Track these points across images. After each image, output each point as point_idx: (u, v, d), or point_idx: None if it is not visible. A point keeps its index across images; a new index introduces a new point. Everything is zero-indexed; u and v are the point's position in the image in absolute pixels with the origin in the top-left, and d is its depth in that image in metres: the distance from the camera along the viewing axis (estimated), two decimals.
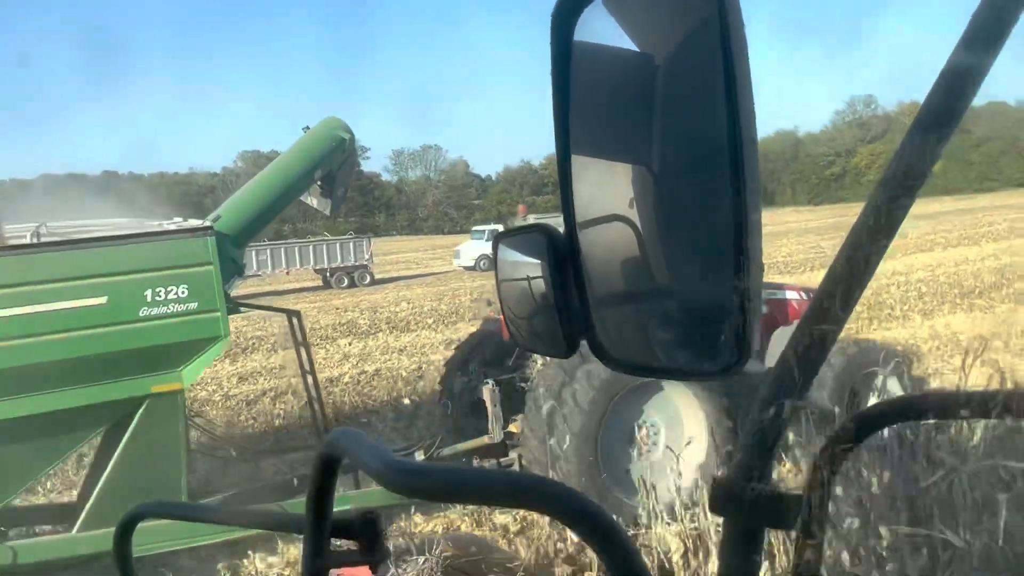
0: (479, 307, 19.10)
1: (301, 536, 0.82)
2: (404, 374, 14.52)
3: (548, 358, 7.77)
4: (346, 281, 36.36)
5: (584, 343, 0.87)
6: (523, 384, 8.10)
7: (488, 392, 8.24)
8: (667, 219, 0.86)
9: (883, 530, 3.73)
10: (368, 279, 37.21)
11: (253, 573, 6.39)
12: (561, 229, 0.87)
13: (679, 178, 0.85)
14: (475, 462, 7.89)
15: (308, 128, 8.54)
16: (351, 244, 37.86)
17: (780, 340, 8.00)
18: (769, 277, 11.18)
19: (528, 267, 0.91)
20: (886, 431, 4.36)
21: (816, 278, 10.22)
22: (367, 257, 37.97)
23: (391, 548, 4.18)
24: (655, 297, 0.87)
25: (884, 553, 3.65)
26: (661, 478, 6.99)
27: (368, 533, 0.80)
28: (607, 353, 0.85)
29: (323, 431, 8.25)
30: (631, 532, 5.26)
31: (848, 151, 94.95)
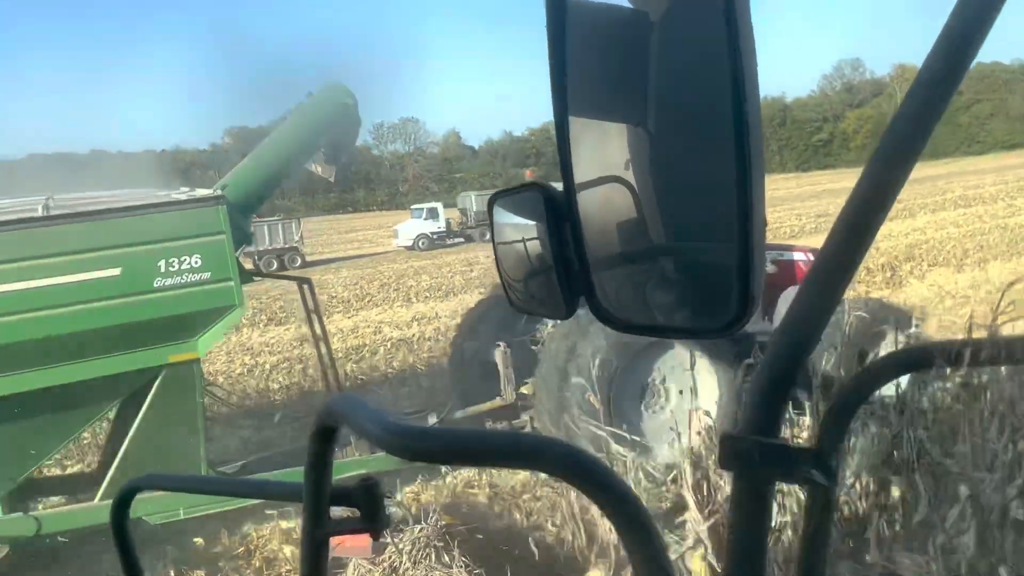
0: None
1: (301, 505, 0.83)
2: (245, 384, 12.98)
3: (559, 320, 7.78)
4: (275, 264, 34.30)
5: (583, 304, 0.87)
6: (534, 346, 8.13)
7: (500, 355, 8.29)
8: (664, 179, 0.86)
9: (894, 481, 3.75)
10: (299, 261, 36.01)
11: (254, 541, 6.47)
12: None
13: (676, 138, 0.84)
14: (488, 424, 7.96)
15: (311, 94, 8.47)
16: (279, 226, 36.65)
17: (788, 300, 7.93)
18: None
19: (525, 228, 0.90)
20: (897, 384, 4.37)
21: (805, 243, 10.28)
22: (297, 239, 36.97)
23: (390, 515, 4.23)
24: (654, 257, 0.87)
25: (895, 505, 3.67)
26: (673, 435, 7.04)
27: (367, 501, 0.80)
28: (607, 314, 0.85)
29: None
30: (640, 488, 5.31)
31: (836, 116, 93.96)
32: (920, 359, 0.73)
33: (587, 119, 0.86)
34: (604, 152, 0.88)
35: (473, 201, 40.98)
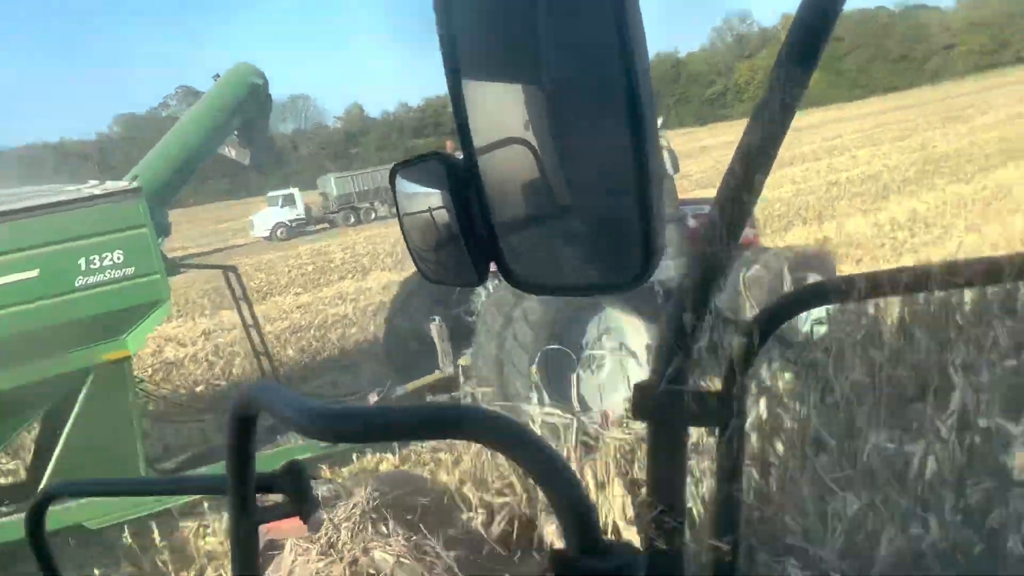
0: None
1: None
2: None
3: (493, 290, 7.83)
4: None
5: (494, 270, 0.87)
6: (470, 317, 8.15)
7: (435, 328, 8.29)
8: (563, 138, 0.86)
9: (804, 417, 3.90)
10: None
11: (188, 539, 6.36)
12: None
13: (571, 96, 0.84)
14: (429, 398, 7.97)
15: (218, 76, 8.22)
16: None
17: None
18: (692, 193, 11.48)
19: (429, 198, 0.90)
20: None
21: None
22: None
23: (319, 496, 4.24)
24: (559, 216, 0.87)
25: (806, 441, 3.81)
26: (610, 394, 7.19)
27: (293, 485, 0.80)
28: (517, 276, 0.86)
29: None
30: (575, 449, 5.41)
31: (728, 69, 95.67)
32: (816, 296, 0.76)
33: (481, 82, 0.86)
34: (503, 114, 0.87)
35: (333, 184, 38.85)
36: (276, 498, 0.86)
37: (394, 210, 1.02)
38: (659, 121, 8.54)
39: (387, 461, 7.35)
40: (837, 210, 19.27)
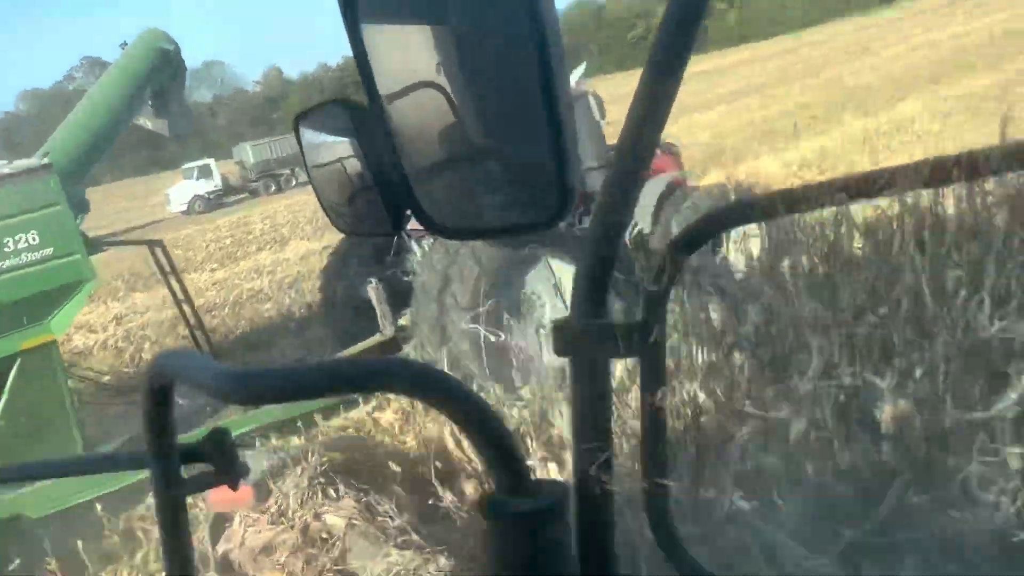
0: None
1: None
2: None
3: (427, 246, 7.77)
4: None
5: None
6: (406, 277, 8.09)
7: (372, 290, 8.21)
8: (475, 80, 0.85)
9: (727, 340, 3.98)
10: None
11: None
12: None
13: (480, 37, 0.83)
14: None
15: (126, 45, 7.86)
16: None
17: (646, 193, 8.25)
18: None
19: (337, 147, 0.87)
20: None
21: None
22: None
23: (251, 464, 4.21)
24: (474, 159, 0.87)
25: (730, 367, 3.89)
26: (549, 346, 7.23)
27: (219, 453, 0.78)
28: (434, 222, 0.85)
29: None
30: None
31: (647, 12, 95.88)
32: (728, 218, 0.76)
33: (386, 25, 0.84)
34: (412, 58, 0.86)
35: (250, 152, 37.34)
36: (203, 468, 0.84)
37: None
38: (582, 68, 8.55)
39: (338, 424, 7.31)
40: (750, 152, 19.47)
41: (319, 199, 0.90)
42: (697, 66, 48.52)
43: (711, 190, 8.90)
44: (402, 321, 8.07)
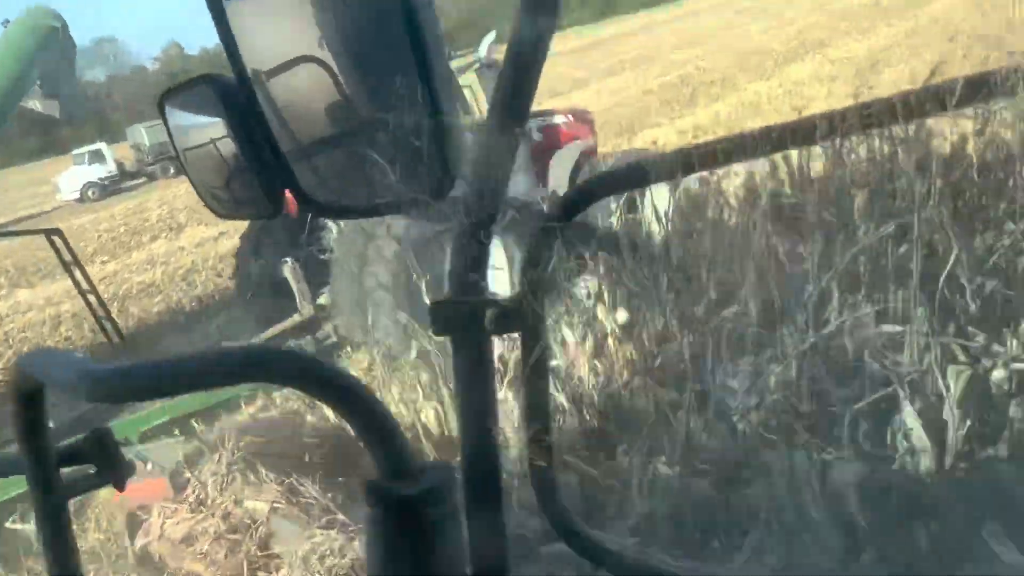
0: None
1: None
2: None
3: (343, 224, 7.64)
4: None
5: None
6: (322, 255, 7.95)
7: (289, 270, 8.06)
8: (357, 54, 0.83)
9: (602, 305, 4.06)
10: None
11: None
12: None
13: (356, 10, 0.81)
14: (290, 343, 7.78)
15: (8, 23, 7.40)
16: None
17: (558, 164, 8.28)
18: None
19: (209, 128, 0.84)
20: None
21: None
22: None
23: (167, 454, 4.12)
24: (356, 136, 0.85)
25: (609, 335, 3.97)
26: None
27: (101, 453, 0.75)
28: (315, 201, 0.83)
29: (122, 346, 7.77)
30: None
31: None
32: (607, 185, 0.77)
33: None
34: (294, 30, 0.83)
35: (144, 134, 35.07)
36: (85, 469, 0.81)
37: None
38: (491, 35, 8.47)
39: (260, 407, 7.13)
40: (648, 120, 19.47)
41: (193, 183, 0.87)
42: (599, 32, 48.65)
43: (628, 155, 8.99)
44: (321, 300, 7.96)
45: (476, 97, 8.01)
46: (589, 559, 0.80)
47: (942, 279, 2.95)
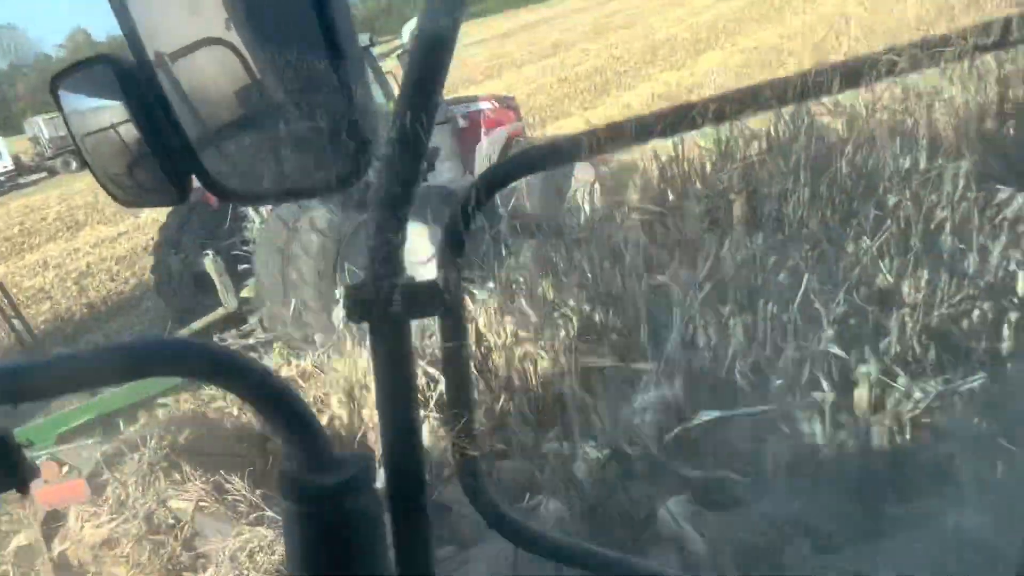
0: None
1: None
2: None
3: (265, 214, 7.46)
4: None
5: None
6: (245, 247, 7.77)
7: (210, 263, 7.85)
8: (265, 36, 0.81)
9: (523, 284, 4.11)
10: None
11: None
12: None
13: None
14: (215, 337, 7.59)
15: None
16: None
17: (483, 150, 8.27)
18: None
19: (108, 112, 0.80)
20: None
21: None
22: None
23: (85, 455, 3.97)
24: (266, 119, 0.83)
25: (530, 313, 4.02)
26: None
27: (1, 456, 0.71)
28: (224, 188, 0.80)
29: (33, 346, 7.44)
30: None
31: None
32: (521, 166, 0.76)
33: None
34: (199, 12, 0.80)
35: (42, 127, 33.66)
36: None
37: None
38: (413, 22, 8.37)
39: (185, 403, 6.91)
40: (561, 110, 19.44)
41: (93, 172, 0.83)
42: (516, 20, 48.44)
43: (551, 141, 9.00)
44: (245, 293, 7.78)
45: (399, 83, 7.91)
46: (519, 545, 0.80)
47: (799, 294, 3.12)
